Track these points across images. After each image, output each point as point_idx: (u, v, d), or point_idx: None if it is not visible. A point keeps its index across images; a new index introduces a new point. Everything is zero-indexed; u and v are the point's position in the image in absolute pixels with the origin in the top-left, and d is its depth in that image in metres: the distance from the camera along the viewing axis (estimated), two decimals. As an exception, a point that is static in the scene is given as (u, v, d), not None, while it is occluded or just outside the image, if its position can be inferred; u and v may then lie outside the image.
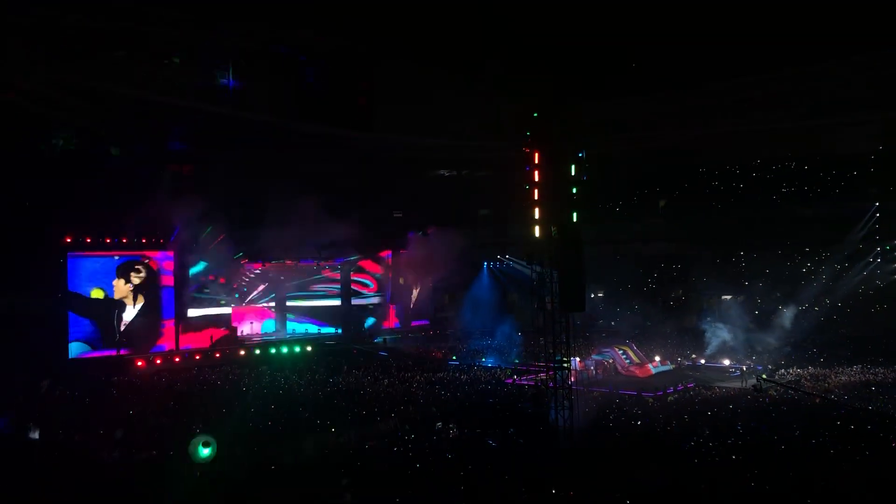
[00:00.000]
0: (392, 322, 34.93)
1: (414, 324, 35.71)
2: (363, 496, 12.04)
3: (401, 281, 35.21)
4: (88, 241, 26.16)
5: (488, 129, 28.15)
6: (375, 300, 34.55)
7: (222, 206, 27.04)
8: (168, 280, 27.77)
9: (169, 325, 27.77)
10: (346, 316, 33.50)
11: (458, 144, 29.90)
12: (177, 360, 27.04)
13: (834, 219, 30.67)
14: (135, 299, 27.13)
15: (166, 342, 27.62)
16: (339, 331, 32.99)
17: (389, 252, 34.72)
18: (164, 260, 27.72)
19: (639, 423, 17.72)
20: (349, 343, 31.81)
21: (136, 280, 27.17)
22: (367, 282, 34.49)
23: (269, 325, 33.07)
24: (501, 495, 12.27)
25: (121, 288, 26.87)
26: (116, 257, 26.90)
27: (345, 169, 28.72)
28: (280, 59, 23.14)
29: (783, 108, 26.58)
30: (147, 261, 27.43)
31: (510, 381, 25.23)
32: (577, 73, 21.83)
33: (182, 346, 27.85)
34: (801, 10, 20.64)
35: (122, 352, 26.45)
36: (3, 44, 18.73)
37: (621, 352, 27.47)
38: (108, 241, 26.62)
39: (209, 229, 27.92)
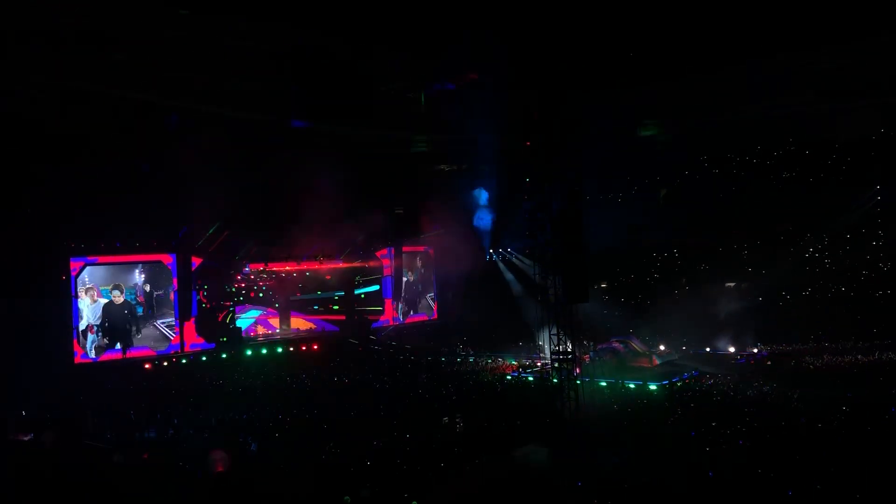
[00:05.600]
0: (390, 317, 35.02)
1: (411, 319, 35.84)
2: (375, 495, 12.09)
3: (405, 279, 35.36)
4: (93, 245, 26.26)
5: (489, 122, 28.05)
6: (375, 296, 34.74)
7: (225, 206, 27.02)
8: (174, 281, 27.89)
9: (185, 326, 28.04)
10: (349, 314, 33.62)
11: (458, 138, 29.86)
12: (183, 361, 27.21)
13: (836, 204, 30.59)
14: (141, 301, 27.27)
15: (177, 343, 27.79)
16: (340, 329, 33.13)
17: (389, 249, 34.80)
18: (170, 263, 27.87)
19: (645, 412, 17.78)
20: (353, 340, 31.98)
21: (141, 282, 27.31)
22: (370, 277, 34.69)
23: (272, 324, 33.15)
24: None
25: (124, 291, 27.01)
26: (121, 261, 27.08)
27: (345, 166, 28.63)
28: (279, 56, 22.99)
29: (783, 95, 26.46)
30: (154, 263, 27.66)
31: (515, 373, 25.38)
32: (577, 63, 21.64)
33: (188, 346, 27.99)
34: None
35: (129, 354, 26.55)
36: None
37: (624, 344, 27.49)
38: (116, 245, 26.78)
39: (213, 229, 28.11)
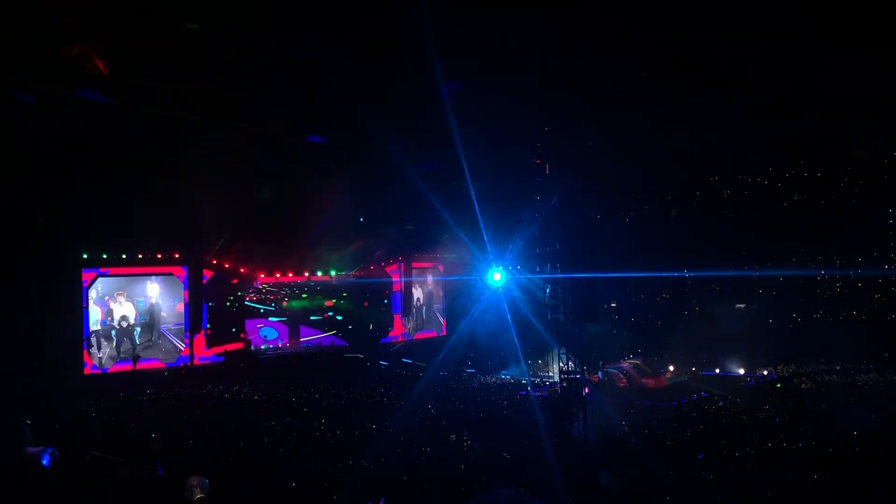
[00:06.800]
0: (399, 333, 34.99)
1: (420, 335, 35.78)
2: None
3: (415, 294, 35.37)
4: (105, 256, 26.45)
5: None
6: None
7: (235, 218, 27.18)
8: (185, 294, 28.05)
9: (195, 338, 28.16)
10: (358, 329, 33.61)
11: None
12: (192, 374, 27.29)
13: (848, 225, 30.42)
14: (151, 314, 27.43)
15: (186, 355, 27.94)
16: (349, 343, 33.13)
17: (399, 264, 34.83)
18: (182, 275, 28.05)
19: (653, 432, 17.67)
20: (363, 355, 31.97)
21: (150, 295, 27.48)
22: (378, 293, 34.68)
23: (282, 338, 33.17)
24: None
25: (136, 303, 27.19)
26: (133, 273, 27.27)
27: (354, 181, 28.74)
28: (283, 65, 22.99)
29: (794, 114, 26.36)
30: (165, 275, 27.86)
31: (523, 392, 25.28)
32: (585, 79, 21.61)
33: (197, 359, 28.08)
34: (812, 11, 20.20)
35: (139, 366, 26.66)
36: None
37: (633, 364, 27.42)
38: (125, 256, 26.89)
39: (223, 240, 28.30)
